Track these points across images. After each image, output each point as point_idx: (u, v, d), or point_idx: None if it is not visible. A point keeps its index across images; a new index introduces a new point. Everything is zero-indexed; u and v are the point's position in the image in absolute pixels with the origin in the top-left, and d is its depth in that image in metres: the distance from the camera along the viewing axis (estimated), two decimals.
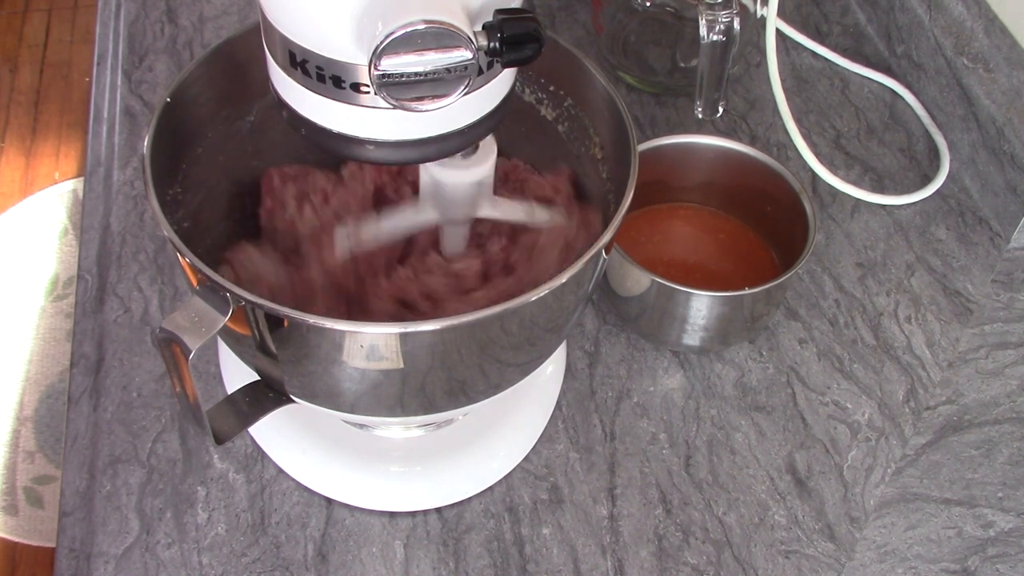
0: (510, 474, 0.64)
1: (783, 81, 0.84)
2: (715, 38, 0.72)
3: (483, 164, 0.55)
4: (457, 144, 0.49)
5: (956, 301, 0.74)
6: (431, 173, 0.55)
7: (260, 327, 0.49)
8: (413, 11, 0.41)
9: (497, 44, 0.43)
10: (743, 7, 0.77)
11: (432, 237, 0.60)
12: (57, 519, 0.62)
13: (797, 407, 0.68)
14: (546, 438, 0.66)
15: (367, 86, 0.45)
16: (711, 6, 0.72)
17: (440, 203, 0.57)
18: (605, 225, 0.52)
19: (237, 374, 0.64)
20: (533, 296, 0.48)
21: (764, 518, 0.63)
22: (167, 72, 0.87)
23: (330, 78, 0.46)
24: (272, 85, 0.50)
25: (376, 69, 0.42)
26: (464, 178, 0.55)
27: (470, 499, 0.63)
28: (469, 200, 0.56)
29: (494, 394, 0.56)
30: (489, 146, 0.55)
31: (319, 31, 0.44)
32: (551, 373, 0.68)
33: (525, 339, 0.53)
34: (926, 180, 0.82)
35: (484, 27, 0.43)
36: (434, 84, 0.43)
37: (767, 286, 0.65)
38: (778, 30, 0.90)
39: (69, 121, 2.15)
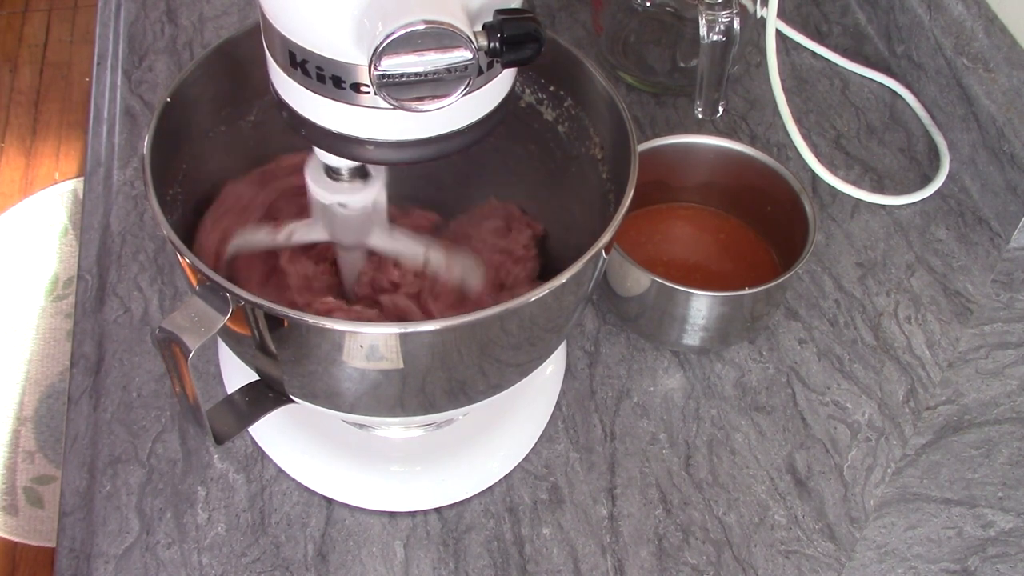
0: (510, 474, 0.64)
1: (783, 81, 0.84)
2: (715, 38, 0.72)
3: (370, 189, 0.54)
4: (457, 144, 0.49)
5: (956, 301, 0.74)
6: (319, 196, 0.55)
7: (260, 327, 0.49)
8: (413, 11, 0.41)
9: (497, 44, 0.43)
10: (743, 7, 0.77)
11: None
12: (57, 519, 0.62)
13: (797, 407, 0.68)
14: (546, 438, 0.66)
15: (367, 86, 0.45)
16: (711, 6, 0.72)
17: (332, 226, 0.56)
18: (605, 225, 0.52)
19: (237, 374, 0.64)
20: (533, 296, 0.48)
21: (764, 518, 0.63)
22: (167, 72, 0.87)
23: (330, 78, 0.46)
24: (272, 85, 0.50)
25: (376, 69, 0.42)
26: (354, 203, 0.55)
27: (470, 499, 0.63)
28: (360, 226, 0.56)
29: (494, 394, 0.56)
30: (379, 172, 0.55)
31: (319, 31, 0.44)
32: (551, 373, 0.68)
33: (525, 339, 0.53)
34: (926, 180, 0.82)
35: (484, 27, 0.43)
36: (434, 84, 0.43)
37: (767, 286, 0.65)
38: (778, 30, 0.90)
39: (69, 121, 2.15)
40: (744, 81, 0.89)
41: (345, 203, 0.54)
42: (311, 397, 0.55)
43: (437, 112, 0.44)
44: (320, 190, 0.54)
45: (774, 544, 0.62)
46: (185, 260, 0.48)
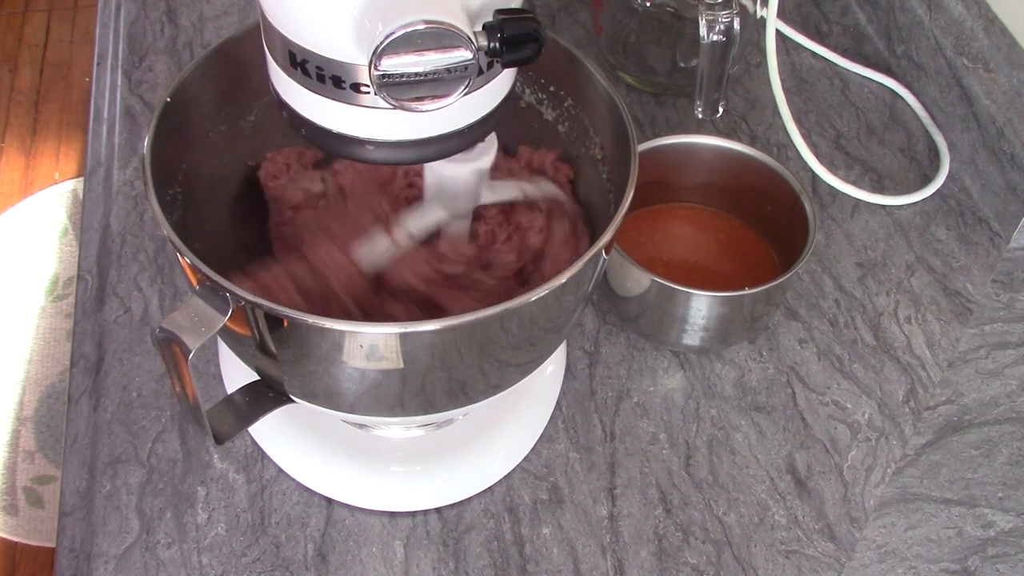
0: (510, 474, 0.64)
1: (783, 81, 0.84)
2: (715, 38, 0.72)
3: (486, 155, 0.55)
4: (457, 144, 0.49)
5: (956, 301, 0.74)
6: (435, 171, 0.55)
7: (260, 327, 0.49)
8: (413, 11, 0.41)
9: (497, 44, 0.43)
10: (743, 7, 0.77)
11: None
12: (57, 519, 0.62)
13: (797, 407, 0.68)
14: (546, 438, 0.66)
15: (367, 86, 0.45)
16: (711, 6, 0.72)
17: (446, 198, 0.57)
18: (605, 225, 0.52)
19: (237, 374, 0.64)
20: (533, 296, 0.48)
21: (764, 518, 0.63)
22: (167, 72, 0.87)
23: (330, 78, 0.46)
24: (272, 85, 0.50)
25: (376, 69, 0.42)
26: (466, 170, 0.55)
27: (470, 499, 0.63)
28: (472, 191, 0.57)
29: (494, 394, 0.56)
30: (490, 137, 0.55)
31: (319, 31, 0.44)
32: (551, 373, 0.68)
33: (525, 339, 0.53)
34: (926, 180, 0.82)
35: (484, 27, 0.43)
36: (434, 84, 0.43)
37: (767, 286, 0.65)
38: (778, 30, 0.90)
39: (69, 121, 2.15)
40: (744, 81, 0.89)
41: (449, 171, 0.55)
42: (311, 397, 0.55)
43: (437, 112, 0.45)
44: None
45: (774, 544, 0.62)
46: (185, 260, 0.48)
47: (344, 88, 0.46)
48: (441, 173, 0.55)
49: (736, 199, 0.74)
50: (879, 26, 0.92)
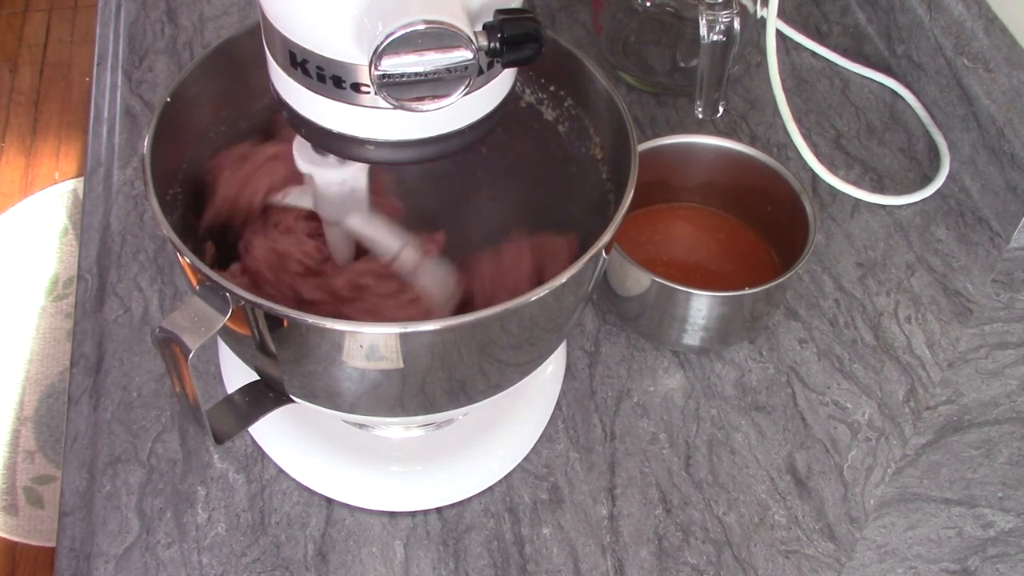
0: (510, 474, 0.64)
1: (783, 81, 0.84)
2: (715, 38, 0.72)
3: (351, 167, 0.55)
4: (457, 144, 0.49)
5: (956, 301, 0.74)
6: (298, 164, 0.55)
7: (260, 327, 0.49)
8: (413, 11, 0.41)
9: (497, 44, 0.43)
10: (743, 7, 0.77)
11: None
12: (57, 519, 0.62)
13: (797, 407, 0.68)
14: (546, 438, 0.66)
15: (367, 86, 0.45)
16: (711, 6, 0.72)
17: (316, 197, 0.57)
18: (605, 225, 0.52)
19: (237, 374, 0.64)
20: (533, 296, 0.48)
21: (764, 518, 0.63)
22: (167, 72, 0.87)
23: (330, 78, 0.46)
24: (272, 85, 0.50)
25: (376, 69, 0.42)
26: (332, 176, 0.55)
27: (470, 499, 0.63)
28: (340, 202, 0.56)
29: (494, 394, 0.56)
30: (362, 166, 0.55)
31: (319, 31, 0.44)
32: (551, 373, 0.68)
33: (525, 339, 0.53)
34: (926, 180, 0.82)
35: (484, 27, 0.43)
36: (434, 84, 0.43)
37: (767, 286, 0.65)
38: (778, 30, 0.90)
39: (69, 121, 2.15)
40: (744, 81, 0.89)
41: (317, 176, 0.55)
42: (311, 397, 0.55)
43: (437, 112, 0.45)
44: (300, 158, 0.55)
45: (774, 544, 0.62)
46: (185, 260, 0.48)
47: (344, 88, 0.46)
48: (309, 172, 0.55)
49: (736, 199, 0.74)
50: (879, 26, 0.92)
